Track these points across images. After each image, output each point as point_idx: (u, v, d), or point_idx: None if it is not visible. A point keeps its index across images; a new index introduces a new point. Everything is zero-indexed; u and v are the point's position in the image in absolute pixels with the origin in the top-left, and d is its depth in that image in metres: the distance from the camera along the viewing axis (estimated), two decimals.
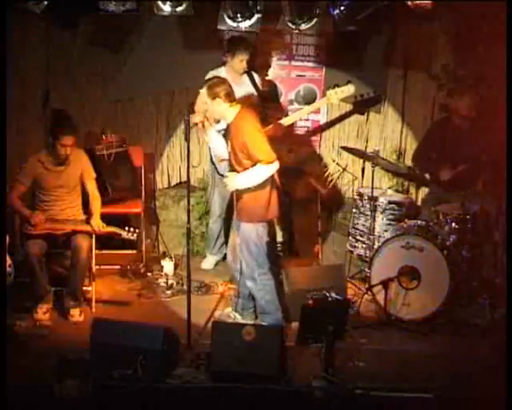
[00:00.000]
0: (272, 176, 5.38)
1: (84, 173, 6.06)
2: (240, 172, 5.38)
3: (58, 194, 5.98)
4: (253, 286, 5.57)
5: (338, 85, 6.55)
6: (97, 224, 5.89)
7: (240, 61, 6.46)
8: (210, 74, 6.42)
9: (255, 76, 6.69)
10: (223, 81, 5.44)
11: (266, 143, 5.30)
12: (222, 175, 6.39)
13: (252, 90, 6.60)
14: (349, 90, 6.57)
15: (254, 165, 5.29)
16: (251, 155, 5.29)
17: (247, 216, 5.48)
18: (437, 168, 6.54)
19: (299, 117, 6.99)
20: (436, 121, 7.05)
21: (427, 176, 6.92)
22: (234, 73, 6.49)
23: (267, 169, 5.30)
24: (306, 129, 7.43)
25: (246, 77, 6.61)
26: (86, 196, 6.12)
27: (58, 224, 5.88)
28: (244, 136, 5.31)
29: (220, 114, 5.43)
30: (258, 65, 7.06)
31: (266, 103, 6.80)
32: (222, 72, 6.48)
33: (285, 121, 6.72)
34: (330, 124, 7.44)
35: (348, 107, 7.35)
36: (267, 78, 7.21)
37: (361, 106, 7.23)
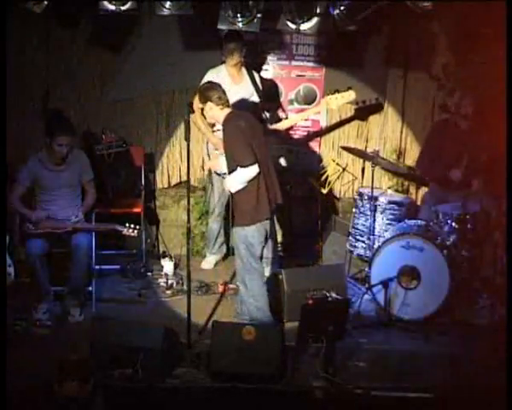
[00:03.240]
0: (258, 179, 5.38)
1: (82, 173, 6.07)
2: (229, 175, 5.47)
3: (58, 193, 5.98)
4: (243, 290, 5.56)
5: (338, 91, 6.53)
6: (79, 215, 5.88)
7: (235, 54, 6.43)
8: (209, 73, 6.43)
9: (256, 75, 6.69)
10: (214, 86, 5.54)
11: (244, 147, 5.32)
12: (217, 173, 6.42)
13: (252, 89, 6.60)
14: (349, 96, 6.55)
15: (236, 168, 5.36)
16: (232, 158, 5.37)
17: (238, 219, 5.50)
18: (444, 170, 6.50)
19: (297, 120, 6.99)
20: (435, 124, 7.04)
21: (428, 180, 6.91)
22: (234, 72, 6.48)
23: (244, 172, 5.32)
24: (306, 129, 7.42)
25: (246, 76, 6.61)
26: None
27: (58, 223, 5.88)
28: (225, 138, 5.42)
29: (212, 117, 5.57)
30: (257, 64, 7.06)
31: (266, 103, 6.80)
32: (222, 70, 6.48)
33: (283, 124, 6.71)
34: (330, 124, 7.44)
35: (349, 108, 7.35)
36: (268, 77, 7.21)
37: (362, 112, 7.22)
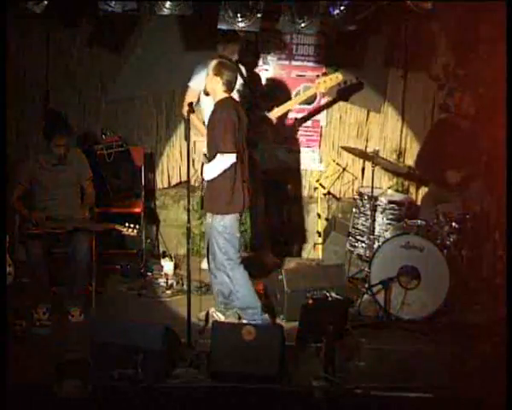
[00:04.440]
0: (235, 169, 5.40)
1: (81, 173, 6.07)
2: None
3: (57, 193, 5.98)
4: (228, 281, 5.59)
5: (326, 74, 6.60)
6: (85, 213, 5.90)
7: (231, 52, 6.44)
8: (200, 67, 6.43)
9: (242, 68, 6.68)
10: (233, 68, 5.55)
11: (229, 133, 5.33)
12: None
13: (240, 81, 6.58)
14: (337, 78, 6.66)
15: (215, 155, 5.38)
16: (215, 142, 5.38)
17: (212, 208, 5.54)
18: (442, 170, 6.50)
19: (289, 107, 6.96)
20: (435, 123, 7.05)
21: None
22: None
23: (222, 159, 5.35)
24: (306, 129, 7.42)
25: None
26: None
27: (58, 223, 5.88)
28: (213, 120, 5.42)
29: (212, 90, 5.53)
30: (257, 64, 7.07)
31: (253, 94, 6.79)
32: None
33: (277, 112, 6.70)
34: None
35: (350, 108, 7.35)
36: (254, 70, 7.22)
37: (344, 93, 7.22)
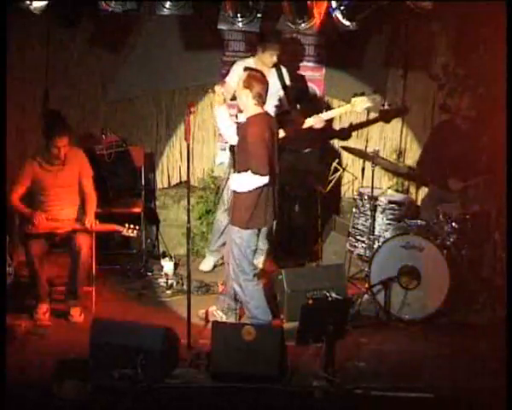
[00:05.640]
0: (262, 188, 5.35)
1: (81, 173, 6.06)
2: (236, 173, 5.45)
3: (57, 194, 5.97)
4: (239, 291, 5.56)
5: (363, 94, 6.50)
6: (90, 221, 5.87)
7: (270, 54, 6.39)
8: (238, 64, 6.40)
9: (284, 71, 6.61)
10: (263, 80, 5.43)
11: (264, 156, 5.27)
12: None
13: (278, 84, 6.54)
14: (374, 100, 6.55)
15: (246, 170, 5.32)
16: (247, 159, 5.31)
17: (234, 219, 5.48)
18: (445, 176, 6.50)
19: (333, 115, 6.87)
20: (436, 125, 7.05)
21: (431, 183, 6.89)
22: (262, 66, 6.29)
23: (254, 179, 5.30)
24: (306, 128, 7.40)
25: (274, 71, 6.52)
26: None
27: (58, 223, 5.88)
28: (248, 138, 5.32)
29: (243, 104, 5.47)
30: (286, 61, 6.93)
31: (294, 99, 6.75)
32: (250, 63, 6.39)
33: (308, 122, 6.64)
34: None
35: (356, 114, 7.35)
36: (298, 73, 7.16)
37: (387, 115, 7.20)
